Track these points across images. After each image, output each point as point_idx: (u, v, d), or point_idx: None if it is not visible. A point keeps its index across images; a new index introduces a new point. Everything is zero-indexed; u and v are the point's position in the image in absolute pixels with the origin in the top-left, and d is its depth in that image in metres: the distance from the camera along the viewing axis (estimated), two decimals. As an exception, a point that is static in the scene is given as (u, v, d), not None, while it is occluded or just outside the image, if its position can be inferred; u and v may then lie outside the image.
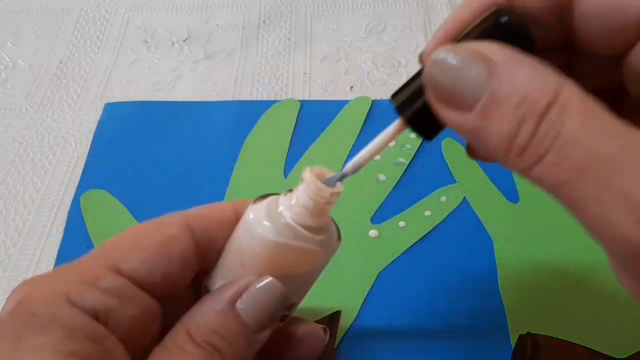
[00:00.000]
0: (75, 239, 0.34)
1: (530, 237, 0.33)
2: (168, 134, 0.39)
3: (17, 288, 0.19)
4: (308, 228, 0.21)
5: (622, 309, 0.30)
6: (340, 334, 0.29)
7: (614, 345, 0.29)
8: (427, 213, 0.34)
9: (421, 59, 0.20)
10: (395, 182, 0.36)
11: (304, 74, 0.43)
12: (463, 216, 0.34)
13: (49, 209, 0.35)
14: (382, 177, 0.36)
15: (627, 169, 0.13)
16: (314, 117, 0.40)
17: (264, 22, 0.48)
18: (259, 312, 0.20)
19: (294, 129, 0.39)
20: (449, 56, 0.16)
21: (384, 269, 0.32)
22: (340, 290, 0.31)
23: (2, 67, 0.45)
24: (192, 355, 0.19)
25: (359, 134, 0.39)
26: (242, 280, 0.21)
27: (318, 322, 0.29)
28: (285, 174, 0.37)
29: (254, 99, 0.42)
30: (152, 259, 0.20)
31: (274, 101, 0.41)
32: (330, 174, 0.22)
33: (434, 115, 0.17)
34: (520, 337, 0.29)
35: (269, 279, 0.21)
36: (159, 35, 0.47)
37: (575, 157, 0.14)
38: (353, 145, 0.38)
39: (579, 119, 0.14)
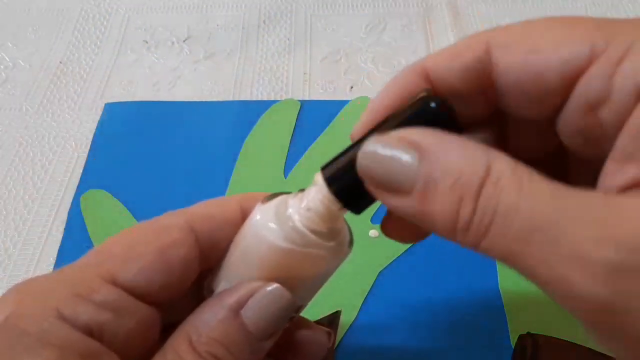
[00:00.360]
0: (75, 239, 0.34)
1: (530, 237, 0.33)
2: (168, 134, 0.39)
3: (5, 297, 0.18)
4: (318, 234, 0.20)
5: (622, 309, 0.30)
6: (340, 334, 0.29)
7: (614, 345, 0.29)
8: (427, 213, 0.34)
9: (351, 139, 0.20)
10: (395, 182, 0.36)
11: (304, 74, 0.43)
12: (463, 216, 0.34)
13: (49, 209, 0.35)
14: (382, 177, 0.36)
15: (570, 229, 0.13)
16: (314, 117, 0.40)
17: (264, 22, 0.48)
18: (264, 320, 0.19)
19: (294, 129, 0.39)
20: (378, 147, 0.16)
21: (384, 269, 0.32)
22: (340, 290, 0.31)
23: (2, 67, 0.45)
24: None
25: (359, 134, 0.39)
26: (247, 286, 0.20)
27: (318, 322, 0.29)
28: (285, 174, 0.37)
29: (254, 99, 0.42)
30: (151, 268, 0.19)
31: (274, 101, 0.41)
32: None
33: (365, 192, 0.18)
34: (520, 337, 0.29)
35: (276, 285, 0.20)
36: (159, 35, 0.47)
37: (517, 227, 0.14)
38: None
39: (514, 189, 0.14)
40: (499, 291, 0.31)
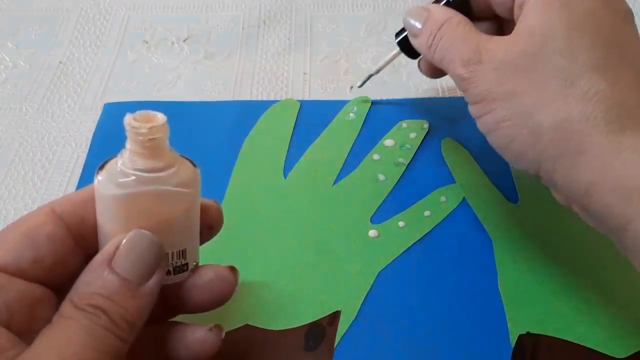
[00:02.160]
0: (75, 239, 0.34)
1: (530, 237, 0.33)
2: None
3: None
4: (149, 170, 0.21)
5: (622, 309, 0.30)
6: (340, 334, 0.29)
7: (614, 345, 0.29)
8: (427, 213, 0.34)
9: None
10: (395, 182, 0.36)
11: (304, 74, 0.43)
12: (463, 216, 0.34)
13: (48, 209, 0.35)
14: (382, 177, 0.36)
15: (463, 45, 0.28)
16: (314, 117, 0.40)
17: (264, 22, 0.48)
18: (135, 264, 0.21)
19: (294, 129, 0.39)
20: (409, 12, 0.31)
21: (384, 269, 0.32)
22: (340, 290, 0.31)
23: (2, 67, 0.45)
24: (74, 319, 0.20)
25: (358, 134, 0.39)
26: (112, 242, 0.21)
27: (318, 322, 0.30)
28: (285, 174, 0.37)
29: (254, 99, 0.42)
30: (18, 248, 0.21)
31: (274, 101, 0.41)
32: (153, 114, 0.21)
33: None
34: (520, 337, 0.29)
35: (134, 230, 0.21)
36: (159, 35, 0.47)
37: (445, 44, 0.29)
38: (353, 145, 0.38)
39: (453, 28, 0.28)
40: (499, 291, 0.31)
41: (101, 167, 0.22)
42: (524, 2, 0.27)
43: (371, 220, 0.34)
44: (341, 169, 0.37)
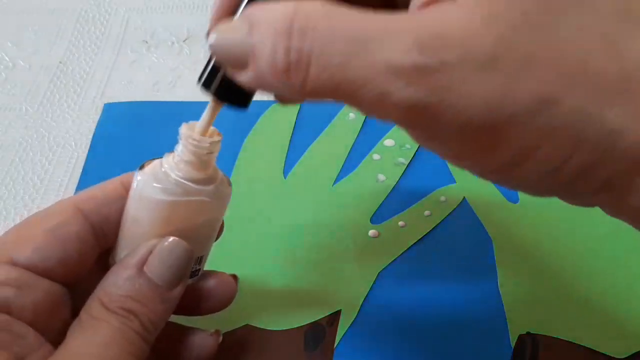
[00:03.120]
0: (75, 239, 0.34)
1: (530, 237, 0.33)
2: (168, 134, 0.39)
3: None
4: (195, 181, 0.22)
5: (622, 308, 0.30)
6: (340, 334, 0.29)
7: (614, 345, 0.29)
8: (427, 213, 0.34)
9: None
10: (395, 182, 0.36)
11: (304, 74, 0.43)
12: (463, 216, 0.34)
13: (48, 209, 0.35)
14: (381, 177, 0.36)
15: (380, 45, 0.14)
16: (314, 117, 0.40)
17: (264, 22, 0.48)
18: (167, 270, 0.21)
19: (294, 129, 0.39)
20: (217, 34, 0.17)
21: (384, 269, 0.32)
22: (340, 290, 0.31)
23: (2, 67, 0.45)
24: (108, 322, 0.20)
25: (358, 134, 0.39)
26: (146, 245, 0.21)
27: (318, 322, 0.30)
28: (285, 174, 0.37)
29: (254, 98, 0.42)
30: (45, 246, 0.21)
31: (274, 101, 0.41)
32: (212, 130, 0.23)
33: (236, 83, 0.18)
34: (520, 337, 0.29)
35: (171, 238, 0.22)
36: (159, 35, 0.47)
37: (336, 53, 0.14)
38: (352, 145, 0.38)
39: (324, 19, 0.15)
40: (499, 291, 0.31)
41: (141, 168, 0.22)
42: None
43: (371, 220, 0.34)
44: (341, 169, 0.37)
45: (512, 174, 0.16)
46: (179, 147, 0.22)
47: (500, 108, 0.14)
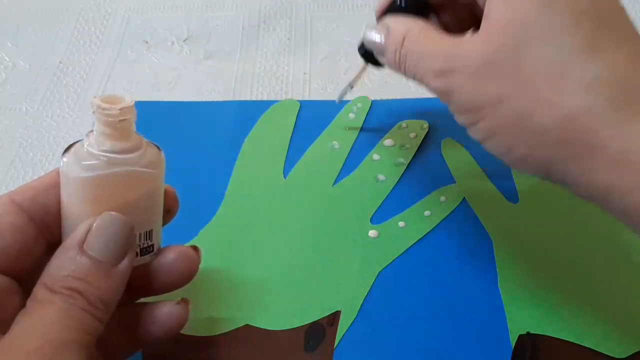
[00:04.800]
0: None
1: (530, 237, 0.33)
2: (168, 134, 0.39)
3: None
4: (117, 152, 0.21)
5: (621, 308, 0.30)
6: (340, 334, 0.29)
7: (614, 345, 0.29)
8: (427, 213, 0.34)
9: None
10: (395, 182, 0.36)
11: (304, 74, 0.43)
12: (463, 216, 0.34)
13: (48, 209, 0.35)
14: (381, 177, 0.36)
15: (431, 55, 0.25)
16: (314, 117, 0.40)
17: (264, 22, 0.48)
18: (107, 246, 0.21)
19: (294, 129, 0.39)
20: (368, 31, 0.29)
21: (384, 269, 0.32)
22: (340, 290, 0.31)
23: (2, 67, 0.45)
24: (52, 302, 0.20)
25: (358, 134, 0.39)
26: (83, 225, 0.21)
27: (318, 322, 0.30)
28: (285, 174, 0.37)
29: (254, 99, 0.42)
30: None
31: (274, 101, 0.41)
32: (119, 97, 0.22)
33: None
34: (520, 337, 0.29)
35: (105, 213, 0.21)
36: (159, 35, 0.47)
37: (415, 56, 0.26)
38: (353, 145, 0.38)
39: (415, 36, 0.26)
40: (499, 291, 0.31)
41: (67, 150, 0.22)
42: None
43: (371, 220, 0.34)
44: (341, 169, 0.37)
45: (486, 145, 0.24)
46: (95, 122, 0.21)
47: (478, 99, 0.23)
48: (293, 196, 0.35)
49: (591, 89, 0.20)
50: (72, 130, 0.40)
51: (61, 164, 0.22)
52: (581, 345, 0.29)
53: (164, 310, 0.25)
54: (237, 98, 0.42)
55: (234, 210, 0.35)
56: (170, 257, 0.25)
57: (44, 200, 0.23)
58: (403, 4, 0.29)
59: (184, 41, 0.47)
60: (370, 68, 0.34)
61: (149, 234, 0.24)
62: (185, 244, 0.32)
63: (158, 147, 0.24)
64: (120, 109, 0.21)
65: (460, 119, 0.25)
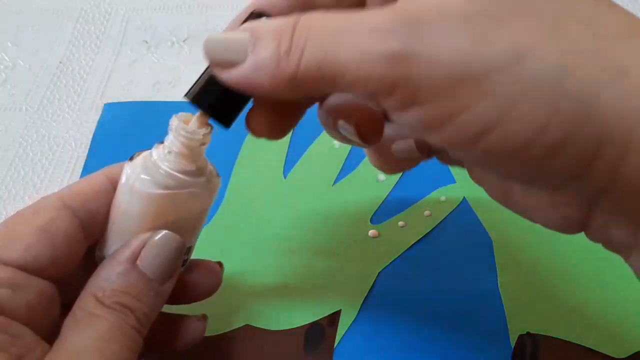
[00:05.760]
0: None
1: (530, 237, 0.33)
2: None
3: None
4: (187, 173, 0.22)
5: (622, 309, 0.30)
6: (340, 334, 0.29)
7: (614, 345, 0.29)
8: (427, 213, 0.34)
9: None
10: (395, 182, 0.36)
11: (304, 74, 0.43)
12: (463, 216, 0.34)
13: (48, 209, 0.35)
14: (381, 177, 0.36)
15: (359, 27, 0.16)
16: (313, 117, 0.40)
17: (264, 22, 0.48)
18: (160, 264, 0.21)
19: (294, 129, 0.39)
20: (218, 34, 0.19)
21: (384, 269, 0.32)
22: (340, 290, 0.31)
23: (2, 67, 0.45)
24: (104, 318, 0.20)
25: (358, 134, 0.39)
26: (138, 239, 0.21)
27: (318, 322, 0.30)
28: (285, 174, 0.37)
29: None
30: (36, 245, 0.21)
31: (274, 101, 0.41)
32: (195, 117, 0.22)
33: (228, 99, 0.21)
34: (520, 337, 0.29)
35: (164, 232, 0.21)
36: (159, 35, 0.47)
37: (325, 40, 0.16)
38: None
39: (320, 17, 0.17)
40: (499, 291, 0.31)
41: (131, 159, 0.22)
42: None
43: (371, 220, 0.34)
44: (341, 169, 0.37)
45: (485, 143, 0.16)
46: (170, 139, 0.22)
47: (475, 60, 0.15)
48: (293, 196, 0.35)
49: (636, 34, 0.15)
50: (72, 130, 0.40)
51: (125, 172, 0.22)
52: (581, 345, 0.29)
53: (187, 325, 0.25)
54: (237, 98, 0.42)
55: (234, 210, 0.35)
56: (199, 272, 0.25)
57: (94, 207, 0.22)
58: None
59: (184, 41, 0.47)
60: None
61: (188, 250, 0.24)
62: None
63: (217, 172, 0.24)
64: (203, 135, 0.22)
65: (429, 111, 0.16)
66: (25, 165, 0.38)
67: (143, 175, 0.21)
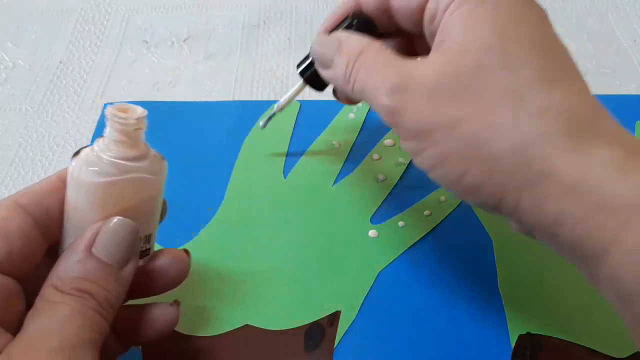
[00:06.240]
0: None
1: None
2: (168, 134, 0.39)
3: None
4: (128, 159, 0.22)
5: (622, 309, 0.30)
6: (340, 334, 0.29)
7: (614, 345, 0.29)
8: (427, 213, 0.34)
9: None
10: (395, 182, 0.36)
11: (304, 74, 0.43)
12: (463, 216, 0.34)
13: (48, 209, 0.35)
14: (381, 177, 0.36)
15: (384, 71, 0.24)
16: (314, 117, 0.40)
17: (264, 22, 0.48)
18: (115, 249, 0.22)
19: (294, 129, 0.39)
20: (318, 40, 0.28)
21: (384, 269, 0.32)
22: (340, 290, 0.31)
23: (2, 67, 0.45)
24: (64, 303, 0.20)
25: (358, 134, 0.39)
26: (91, 228, 0.22)
27: (318, 322, 0.30)
28: (285, 174, 0.37)
29: (254, 99, 0.42)
30: None
31: (274, 101, 0.41)
32: (132, 107, 0.23)
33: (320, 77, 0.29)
34: (520, 337, 0.29)
35: (116, 218, 0.22)
36: (159, 35, 0.47)
37: (363, 74, 0.25)
38: (353, 144, 0.38)
39: (372, 57, 0.25)
40: (499, 291, 0.31)
41: (76, 154, 0.23)
42: (435, 15, 0.24)
43: (371, 220, 0.34)
44: (341, 169, 0.37)
45: (434, 174, 0.23)
46: (107, 129, 0.22)
47: (427, 123, 0.22)
48: (293, 196, 0.35)
49: (547, 118, 0.21)
50: (72, 130, 0.40)
51: (70, 167, 0.23)
52: (581, 345, 0.29)
53: (158, 312, 0.26)
54: (237, 98, 0.42)
55: (234, 210, 0.35)
56: (165, 260, 0.26)
57: (47, 204, 0.23)
58: (354, 26, 0.28)
59: (184, 41, 0.47)
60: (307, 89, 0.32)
61: (147, 238, 0.24)
62: (185, 244, 0.32)
63: (162, 156, 0.25)
64: (136, 119, 0.22)
65: (407, 144, 0.23)
66: (25, 165, 0.38)
67: (87, 167, 0.22)
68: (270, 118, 0.36)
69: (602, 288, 0.20)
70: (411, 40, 0.30)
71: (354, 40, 0.26)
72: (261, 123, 0.36)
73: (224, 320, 0.30)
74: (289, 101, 0.34)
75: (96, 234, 0.22)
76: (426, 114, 0.22)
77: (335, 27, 0.29)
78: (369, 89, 0.24)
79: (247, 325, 0.30)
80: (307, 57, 0.31)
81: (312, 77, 0.31)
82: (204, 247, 0.33)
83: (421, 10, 0.25)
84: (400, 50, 0.30)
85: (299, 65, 0.31)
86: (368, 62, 0.25)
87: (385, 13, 0.27)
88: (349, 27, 0.28)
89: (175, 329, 0.29)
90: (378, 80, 0.24)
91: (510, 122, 0.21)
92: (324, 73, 0.28)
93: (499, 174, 0.21)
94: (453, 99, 0.22)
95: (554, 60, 0.22)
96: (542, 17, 0.23)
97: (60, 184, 0.23)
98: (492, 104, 0.21)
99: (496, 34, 0.22)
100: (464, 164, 0.22)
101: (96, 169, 0.22)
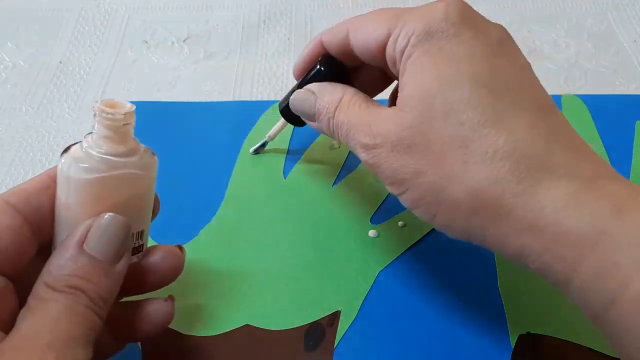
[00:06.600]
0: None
1: (530, 237, 0.33)
2: (168, 134, 0.39)
3: None
4: (117, 155, 0.22)
5: (622, 309, 0.30)
6: (340, 334, 0.29)
7: (614, 345, 0.29)
8: (427, 213, 0.34)
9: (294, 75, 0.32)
10: (395, 182, 0.36)
11: (304, 74, 0.43)
12: (463, 216, 0.34)
13: (48, 209, 0.35)
14: (382, 177, 0.36)
15: (359, 128, 0.26)
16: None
17: (264, 22, 0.48)
18: (107, 246, 0.22)
19: (294, 129, 0.39)
20: (295, 99, 0.30)
21: (384, 269, 0.32)
22: (340, 290, 0.31)
23: (2, 67, 0.45)
24: (55, 300, 0.20)
25: (358, 134, 0.39)
26: (82, 225, 0.22)
27: (318, 322, 0.30)
28: (285, 174, 0.37)
29: (254, 99, 0.42)
30: None
31: (274, 101, 0.41)
32: (120, 102, 0.23)
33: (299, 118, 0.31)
34: (520, 337, 0.29)
35: (107, 214, 0.22)
36: (159, 35, 0.47)
37: (344, 128, 0.27)
38: (353, 145, 0.38)
39: (345, 109, 0.27)
40: (499, 291, 0.31)
41: (65, 151, 0.23)
42: (395, 60, 0.25)
43: (371, 220, 0.34)
44: (341, 169, 0.37)
45: (414, 212, 0.25)
46: (96, 125, 0.22)
47: (394, 175, 0.24)
48: (293, 196, 0.35)
49: (494, 161, 0.21)
50: (72, 130, 0.40)
51: (60, 165, 0.23)
52: (581, 345, 0.29)
53: (152, 308, 0.26)
54: (237, 98, 0.42)
55: (234, 210, 0.35)
56: (158, 256, 0.26)
57: (37, 202, 0.23)
58: (324, 72, 0.29)
59: (184, 41, 0.47)
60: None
61: (140, 234, 0.24)
62: (185, 244, 0.32)
63: (152, 152, 0.24)
64: (124, 114, 0.22)
65: (389, 188, 0.25)
66: (25, 165, 0.38)
67: (76, 164, 0.22)
68: (263, 145, 0.37)
69: (577, 303, 0.21)
70: (379, 72, 0.30)
71: (328, 94, 0.28)
72: (251, 150, 0.37)
73: (224, 320, 0.30)
74: (277, 134, 0.36)
75: (87, 231, 0.22)
76: (395, 167, 0.24)
77: (307, 73, 0.30)
78: (351, 144, 0.26)
79: (247, 325, 0.30)
80: (287, 97, 0.31)
81: (293, 117, 0.31)
82: (204, 247, 0.33)
83: (381, 51, 0.26)
84: (375, 80, 0.31)
85: (280, 104, 0.33)
86: (342, 119, 0.27)
87: (349, 54, 0.28)
88: (319, 74, 0.29)
89: (175, 328, 0.29)
90: (355, 138, 0.26)
91: (460, 170, 0.22)
92: (310, 125, 0.30)
93: (460, 216, 0.23)
94: (410, 152, 0.23)
95: (502, 98, 0.22)
96: (490, 45, 0.23)
97: (50, 182, 0.23)
98: (441, 154, 0.22)
99: (438, 82, 0.23)
100: (433, 208, 0.24)
101: (86, 165, 0.22)
